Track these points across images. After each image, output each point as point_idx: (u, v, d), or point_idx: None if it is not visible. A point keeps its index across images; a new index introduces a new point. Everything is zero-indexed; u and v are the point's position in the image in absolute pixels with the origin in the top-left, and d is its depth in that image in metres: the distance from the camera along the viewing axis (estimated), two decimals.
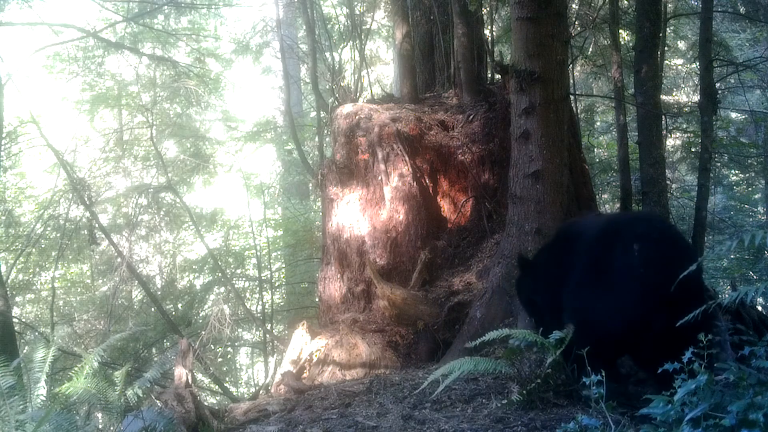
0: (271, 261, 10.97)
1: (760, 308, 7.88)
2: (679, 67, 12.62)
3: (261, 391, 6.95)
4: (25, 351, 7.91)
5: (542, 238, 5.00)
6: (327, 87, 9.04)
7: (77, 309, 11.07)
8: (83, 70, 10.53)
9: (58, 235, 9.98)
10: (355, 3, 10.02)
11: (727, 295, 3.45)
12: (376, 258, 6.31)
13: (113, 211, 11.47)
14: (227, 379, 11.74)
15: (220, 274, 10.26)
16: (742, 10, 9.75)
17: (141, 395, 4.42)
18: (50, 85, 11.16)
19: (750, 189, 13.71)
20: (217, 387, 9.64)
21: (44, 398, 4.34)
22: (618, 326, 3.50)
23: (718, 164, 10.98)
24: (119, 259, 9.32)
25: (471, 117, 6.79)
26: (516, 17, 5.14)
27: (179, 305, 10.77)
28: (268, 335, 9.32)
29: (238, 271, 11.50)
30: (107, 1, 10.20)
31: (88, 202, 8.85)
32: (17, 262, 9.73)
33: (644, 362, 3.69)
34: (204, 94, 10.84)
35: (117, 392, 4.15)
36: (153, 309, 9.96)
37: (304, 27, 10.21)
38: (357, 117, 6.81)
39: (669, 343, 3.29)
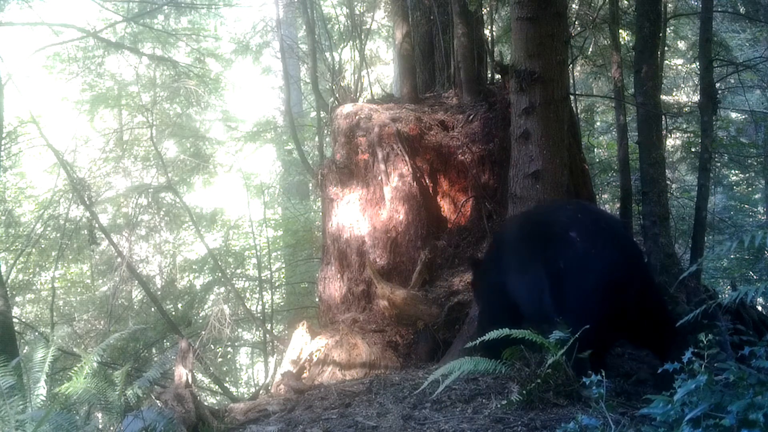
0: (271, 261, 10.97)
1: (760, 308, 7.89)
2: (679, 67, 12.62)
3: (261, 391, 6.95)
4: (25, 351, 7.91)
5: None
6: (327, 87, 9.03)
7: (77, 309, 11.07)
8: (83, 70, 10.52)
9: (58, 235, 9.98)
10: (355, 3, 10.02)
11: (727, 295, 3.46)
12: (376, 258, 6.31)
13: (113, 211, 11.47)
14: (227, 379, 11.74)
15: (220, 274, 10.26)
16: (742, 10, 9.74)
17: (141, 395, 4.42)
18: (50, 85, 11.16)
19: (750, 189, 13.72)
20: (217, 387, 9.63)
21: (44, 398, 4.34)
22: (600, 308, 3.80)
23: (718, 164, 10.98)
24: (119, 259, 9.31)
25: (471, 117, 6.79)
26: (516, 17, 5.14)
27: (179, 305, 10.77)
28: (268, 335, 9.32)
29: (238, 271, 11.50)
30: (107, 1, 10.20)
31: (88, 202, 8.84)
32: (17, 262, 9.73)
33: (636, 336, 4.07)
34: (204, 94, 10.82)
35: (117, 392, 4.15)
36: (153, 309, 9.95)
37: (304, 27, 10.21)
38: (357, 117, 6.81)
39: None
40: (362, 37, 9.13)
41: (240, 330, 11.12)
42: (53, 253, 10.20)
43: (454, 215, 6.58)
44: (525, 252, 4.40)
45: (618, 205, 7.99)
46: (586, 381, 2.98)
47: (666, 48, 8.61)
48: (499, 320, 4.08)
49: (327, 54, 9.28)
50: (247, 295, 11.42)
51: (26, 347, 8.81)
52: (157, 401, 4.57)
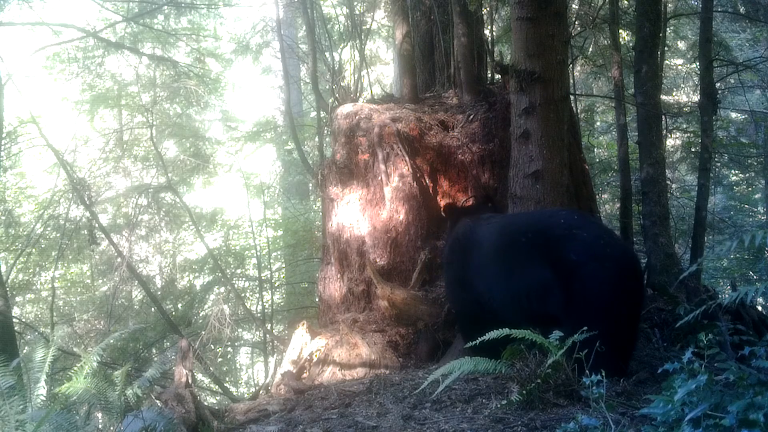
0: (271, 261, 10.97)
1: (760, 308, 7.89)
2: (679, 67, 12.62)
3: (261, 391, 6.95)
4: (25, 351, 7.90)
5: None
6: (327, 87, 9.03)
7: (77, 309, 11.07)
8: (83, 71, 10.52)
9: (58, 235, 9.98)
10: (355, 3, 10.01)
11: (727, 295, 3.47)
12: (376, 258, 6.31)
13: (113, 211, 11.48)
14: (227, 379, 11.74)
15: (220, 274, 10.26)
16: (742, 10, 9.75)
17: (141, 395, 4.42)
18: (50, 85, 11.17)
19: (750, 189, 13.73)
20: (217, 387, 9.63)
21: (44, 398, 4.34)
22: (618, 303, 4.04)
23: (718, 164, 10.99)
24: (119, 259, 9.32)
25: (471, 117, 6.78)
26: (516, 17, 5.14)
27: (179, 305, 10.76)
28: (268, 335, 9.32)
29: (238, 271, 11.49)
30: (107, 1, 10.20)
31: (88, 202, 8.84)
32: (17, 262, 9.73)
33: None
34: (204, 94, 10.83)
35: (117, 392, 4.14)
36: (153, 309, 9.95)
37: (304, 27, 10.20)
38: (357, 117, 6.80)
39: None
40: (362, 37, 9.12)
41: (240, 330, 11.12)
42: (53, 253, 10.20)
43: None
44: (520, 252, 4.40)
45: (618, 205, 7.99)
46: (586, 381, 2.98)
47: (666, 48, 8.62)
48: (484, 324, 4.10)
49: (327, 54, 9.27)
50: (247, 295, 11.42)
51: (26, 347, 8.80)
52: (157, 401, 4.57)
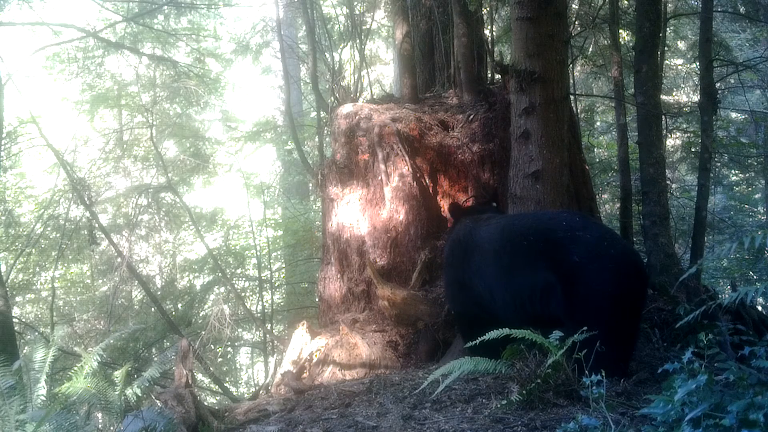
0: (271, 261, 10.97)
1: (760, 308, 7.89)
2: (679, 67, 12.61)
3: (261, 391, 6.96)
4: (25, 351, 7.90)
5: None
6: (327, 87, 9.02)
7: (77, 309, 11.07)
8: (83, 71, 10.52)
9: (58, 235, 9.99)
10: (355, 3, 10.01)
11: (727, 295, 3.47)
12: (376, 258, 6.31)
13: (113, 211, 11.47)
14: (227, 379, 11.74)
15: (220, 274, 10.26)
16: (742, 10, 9.75)
17: (141, 395, 4.42)
18: (50, 85, 11.17)
19: (750, 189, 13.73)
20: (217, 387, 9.64)
21: (44, 398, 4.34)
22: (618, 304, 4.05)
23: (718, 164, 10.99)
24: (119, 259, 9.32)
25: (471, 117, 6.79)
26: (516, 17, 5.14)
27: (179, 305, 10.76)
28: (268, 335, 9.32)
29: (238, 271, 11.50)
30: (107, 1, 10.20)
31: (88, 202, 8.85)
32: (17, 262, 9.73)
33: None
34: (204, 94, 10.83)
35: (117, 392, 4.15)
36: (153, 309, 9.96)
37: (304, 27, 10.20)
38: (357, 117, 6.80)
39: None
40: (362, 37, 9.12)
41: (240, 330, 11.12)
42: (53, 253, 10.21)
43: None
44: (521, 254, 4.39)
45: (618, 205, 7.98)
46: (586, 381, 2.98)
47: (666, 48, 8.61)
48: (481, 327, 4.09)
49: (327, 54, 9.27)
50: (247, 295, 11.42)
51: (26, 347, 8.80)
52: (157, 401, 4.57)
